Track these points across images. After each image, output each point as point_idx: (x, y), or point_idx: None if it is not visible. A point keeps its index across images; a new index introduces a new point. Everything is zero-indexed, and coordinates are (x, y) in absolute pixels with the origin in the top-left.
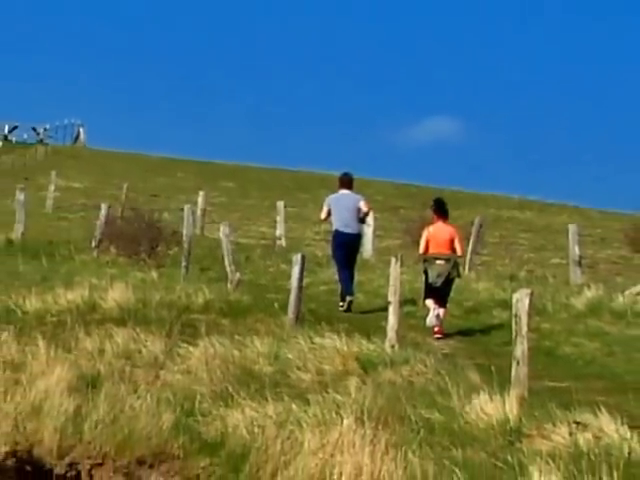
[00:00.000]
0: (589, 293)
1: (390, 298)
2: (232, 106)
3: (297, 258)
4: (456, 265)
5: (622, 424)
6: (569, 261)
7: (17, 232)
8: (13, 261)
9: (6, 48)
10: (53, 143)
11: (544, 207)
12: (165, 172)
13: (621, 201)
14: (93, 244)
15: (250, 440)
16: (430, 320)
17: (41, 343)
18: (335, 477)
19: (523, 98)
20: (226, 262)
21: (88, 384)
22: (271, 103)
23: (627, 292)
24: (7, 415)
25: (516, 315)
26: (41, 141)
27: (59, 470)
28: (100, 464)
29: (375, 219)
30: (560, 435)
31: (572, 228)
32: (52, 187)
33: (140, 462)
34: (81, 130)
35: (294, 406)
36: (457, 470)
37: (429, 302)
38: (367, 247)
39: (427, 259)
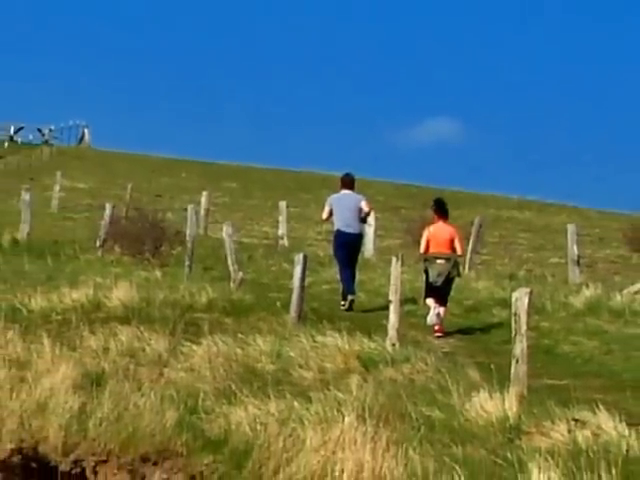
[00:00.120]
0: (587, 292)
1: (391, 297)
2: (235, 107)
3: (299, 257)
4: (456, 264)
5: (620, 421)
6: (568, 260)
7: (23, 232)
8: (19, 260)
9: (12, 49)
10: (58, 144)
11: (543, 207)
12: (169, 173)
13: (619, 201)
14: (98, 244)
15: (253, 437)
16: (431, 319)
17: (46, 341)
18: (336, 474)
19: (522, 99)
20: (229, 261)
21: (93, 382)
22: (274, 104)
23: (625, 291)
24: (13, 412)
25: (515, 314)
26: (46, 142)
27: (64, 467)
28: (104, 461)
29: (376, 219)
30: (559, 432)
31: (571, 228)
32: (57, 187)
33: (144, 459)
34: (86, 131)
35: (296, 404)
36: (457, 467)
37: (429, 301)
38: (368, 247)
39: (427, 258)
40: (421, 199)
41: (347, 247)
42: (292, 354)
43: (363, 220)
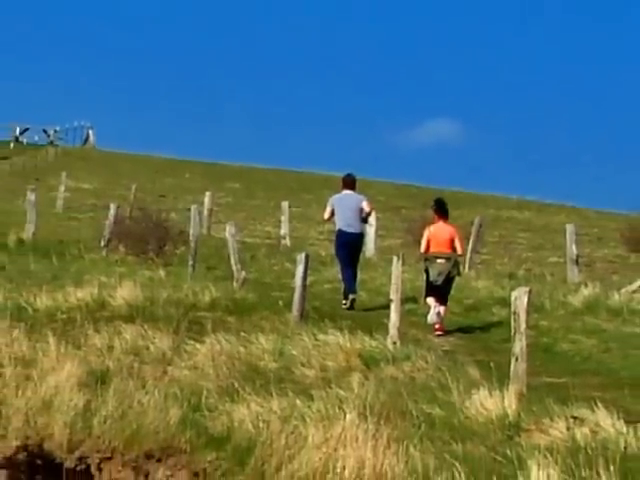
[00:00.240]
0: (586, 291)
1: (392, 296)
2: (238, 108)
3: (301, 257)
4: (456, 264)
5: (618, 419)
6: (566, 260)
7: (28, 232)
8: (24, 260)
9: (17, 51)
10: (63, 145)
11: (542, 207)
12: (172, 173)
13: (617, 201)
14: (102, 243)
15: (255, 434)
16: (431, 317)
17: (51, 340)
18: (338, 471)
19: (522, 101)
20: (232, 261)
21: (97, 380)
22: (276, 105)
23: (623, 290)
24: (18, 410)
25: (515, 312)
26: (51, 143)
27: (69, 464)
28: (109, 458)
29: (377, 219)
30: (558, 430)
31: (569, 228)
32: (62, 188)
33: (148, 456)
34: (90, 132)
35: (298, 401)
36: (457, 464)
37: (430, 300)
38: (369, 246)
39: (428, 258)
40: (421, 199)
41: (348, 247)
42: (294, 352)
43: (364, 220)
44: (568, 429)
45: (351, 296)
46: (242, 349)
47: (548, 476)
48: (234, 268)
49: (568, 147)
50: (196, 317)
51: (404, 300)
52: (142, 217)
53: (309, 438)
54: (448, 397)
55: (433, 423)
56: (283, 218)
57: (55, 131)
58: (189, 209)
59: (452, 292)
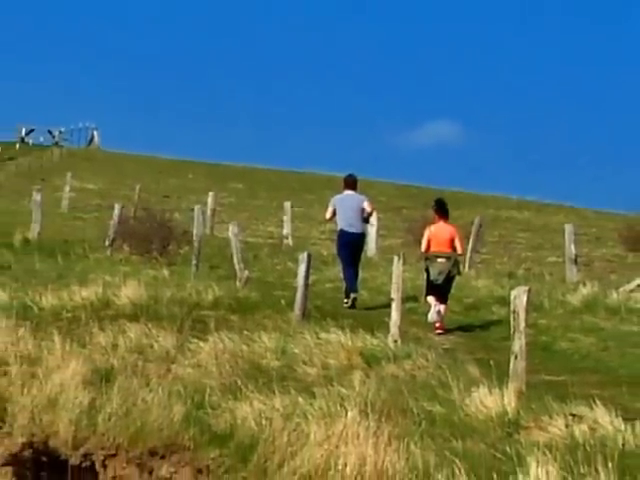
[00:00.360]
0: (584, 290)
1: (393, 295)
2: (240, 109)
3: (303, 256)
4: (456, 263)
5: (616, 416)
6: (565, 259)
7: (34, 231)
8: (30, 259)
9: (23, 52)
10: (68, 145)
11: (541, 207)
12: (176, 174)
13: (615, 201)
14: (107, 243)
15: (258, 432)
16: (431, 316)
17: (57, 338)
18: (340, 467)
19: (521, 102)
20: (235, 260)
21: (102, 378)
22: (278, 106)
23: (621, 289)
24: (24, 407)
25: (514, 311)
26: (57, 144)
27: (74, 461)
28: (114, 455)
29: (378, 219)
30: (557, 427)
31: (568, 227)
32: (67, 188)
33: (152, 453)
34: (95, 133)
35: (300, 399)
36: (457, 461)
37: (430, 299)
38: (371, 246)
39: (428, 257)
40: (422, 199)
41: (350, 246)
42: (296, 351)
43: (365, 220)
44: (567, 426)
45: (352, 295)
46: (245, 347)
47: (547, 473)
48: (237, 267)
49: (567, 148)
50: (199, 316)
51: (405, 299)
52: (146, 217)
53: (311, 435)
54: (448, 395)
55: (433, 420)
56: (285, 218)
57: (60, 132)
58: (192, 209)
59: (452, 291)
